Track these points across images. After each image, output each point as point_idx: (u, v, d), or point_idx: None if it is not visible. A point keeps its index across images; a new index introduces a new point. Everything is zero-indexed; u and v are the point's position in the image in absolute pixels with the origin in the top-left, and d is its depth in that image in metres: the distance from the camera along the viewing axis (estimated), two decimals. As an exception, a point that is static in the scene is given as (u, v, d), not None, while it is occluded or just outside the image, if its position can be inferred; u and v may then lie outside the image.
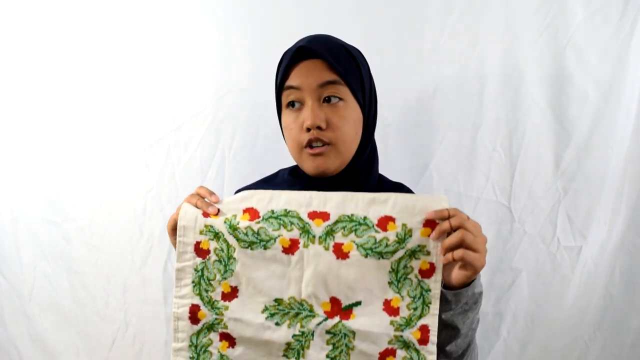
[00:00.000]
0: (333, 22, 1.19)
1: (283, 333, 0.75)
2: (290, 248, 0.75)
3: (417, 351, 0.73)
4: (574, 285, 1.23)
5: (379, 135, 1.22)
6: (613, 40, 1.15)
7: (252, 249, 0.75)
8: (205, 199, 0.80)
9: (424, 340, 0.73)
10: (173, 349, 0.78)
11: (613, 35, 1.15)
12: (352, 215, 0.74)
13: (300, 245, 0.74)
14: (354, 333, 0.74)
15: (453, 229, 0.71)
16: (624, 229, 1.22)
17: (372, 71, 1.15)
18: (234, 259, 0.76)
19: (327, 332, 0.75)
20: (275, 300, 0.76)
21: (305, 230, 0.74)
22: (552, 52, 1.17)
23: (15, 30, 1.25)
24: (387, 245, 0.73)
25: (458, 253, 0.70)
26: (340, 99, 0.84)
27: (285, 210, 0.75)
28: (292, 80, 0.84)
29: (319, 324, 0.74)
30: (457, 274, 0.74)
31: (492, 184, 1.22)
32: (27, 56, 1.26)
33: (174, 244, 0.80)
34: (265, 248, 0.75)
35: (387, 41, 1.20)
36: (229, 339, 0.77)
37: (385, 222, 0.73)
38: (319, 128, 0.82)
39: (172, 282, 1.28)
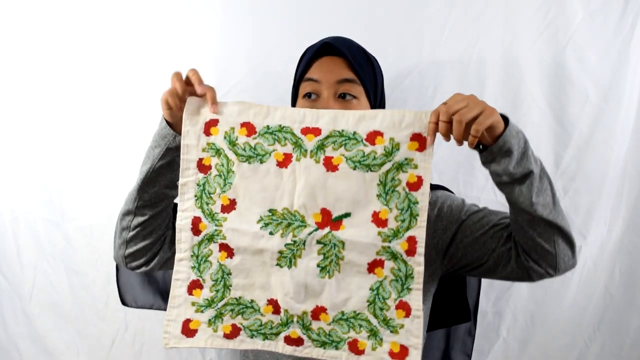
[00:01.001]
0: (333, 22, 1.19)
1: (276, 242, 0.78)
2: (284, 162, 0.78)
3: (405, 262, 0.76)
4: (573, 285, 1.23)
5: (379, 135, 1.23)
6: (613, 40, 1.15)
7: (249, 162, 0.79)
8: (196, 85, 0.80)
9: (411, 252, 0.76)
10: (176, 259, 0.82)
11: (613, 35, 1.15)
12: (342, 130, 0.77)
13: (293, 159, 0.78)
14: (343, 243, 0.77)
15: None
16: (624, 229, 1.22)
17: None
18: (233, 172, 0.80)
19: (318, 241, 0.78)
20: (269, 210, 0.79)
21: (297, 145, 0.78)
22: (552, 52, 1.17)
23: (15, 30, 1.25)
24: (374, 158, 0.76)
25: (442, 126, 0.71)
26: (355, 97, 0.88)
27: (280, 126, 0.78)
28: (313, 73, 0.89)
29: (309, 233, 0.78)
30: (484, 140, 0.74)
31: (492, 184, 1.20)
32: (27, 57, 1.25)
33: (167, 116, 0.82)
34: (261, 162, 0.79)
35: (387, 41, 1.20)
36: (228, 250, 0.81)
37: (373, 136, 0.76)
38: None
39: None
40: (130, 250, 0.88)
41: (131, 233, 0.87)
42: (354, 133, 0.77)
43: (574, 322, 1.25)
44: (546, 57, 1.17)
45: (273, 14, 1.21)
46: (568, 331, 1.25)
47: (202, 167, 0.81)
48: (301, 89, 0.91)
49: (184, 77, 0.81)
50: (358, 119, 0.77)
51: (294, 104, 0.94)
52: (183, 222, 0.81)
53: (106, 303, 1.32)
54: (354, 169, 0.76)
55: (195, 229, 0.81)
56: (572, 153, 1.19)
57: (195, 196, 0.81)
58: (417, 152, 0.76)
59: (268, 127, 0.79)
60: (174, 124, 0.83)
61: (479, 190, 1.23)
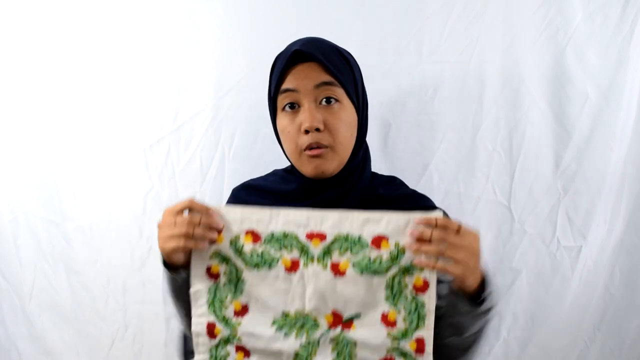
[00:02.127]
0: (333, 22, 1.19)
1: (291, 343, 0.80)
2: (292, 267, 0.80)
3: None
4: (573, 285, 1.23)
5: (379, 135, 1.23)
6: (613, 40, 1.15)
7: (258, 269, 0.81)
8: (201, 219, 0.78)
9: (420, 350, 0.77)
10: (195, 358, 0.85)
11: (613, 35, 1.15)
12: (347, 234, 0.78)
13: (301, 265, 0.80)
14: (355, 342, 0.79)
15: (436, 239, 0.73)
16: (624, 229, 1.22)
17: (372, 71, 1.15)
18: (243, 280, 0.82)
19: (331, 341, 0.80)
20: (283, 313, 0.81)
21: (304, 252, 0.80)
22: (552, 52, 1.17)
23: (15, 30, 1.25)
24: (380, 263, 0.77)
25: (429, 261, 0.73)
26: (337, 100, 0.86)
27: (284, 233, 0.80)
28: (288, 83, 0.86)
29: (322, 334, 0.80)
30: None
31: (492, 184, 1.22)
32: (27, 58, 1.26)
33: (168, 261, 0.82)
34: (269, 268, 0.81)
35: (387, 41, 1.20)
36: (244, 351, 0.83)
37: (379, 241, 0.77)
38: (317, 130, 0.83)
39: (172, 282, 1.29)
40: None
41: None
42: (359, 238, 0.78)
43: (574, 322, 1.24)
44: (546, 57, 1.17)
45: (273, 14, 1.21)
46: (568, 331, 1.25)
47: (211, 274, 0.83)
48: (279, 102, 0.88)
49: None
50: (362, 222, 0.78)
51: (273, 119, 0.92)
52: (199, 327, 0.83)
53: (106, 303, 1.32)
54: (361, 274, 0.78)
55: (211, 332, 0.83)
56: (572, 153, 1.19)
57: (208, 302, 0.83)
58: (408, 247, 0.77)
59: (272, 234, 0.80)
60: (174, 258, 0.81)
61: (479, 190, 1.23)
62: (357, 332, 0.79)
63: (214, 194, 1.26)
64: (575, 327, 1.25)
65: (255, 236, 0.81)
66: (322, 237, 0.79)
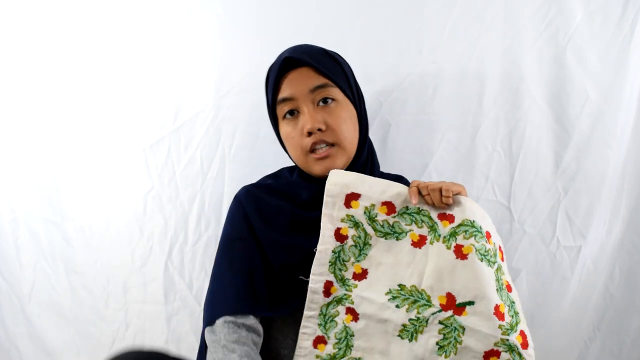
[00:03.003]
0: (333, 22, 1.19)
1: (401, 315, 0.82)
2: (419, 242, 0.84)
3: (520, 354, 0.79)
4: (573, 285, 1.23)
5: (378, 135, 1.23)
6: (613, 40, 1.15)
7: (386, 238, 0.85)
8: None
9: (525, 344, 0.79)
10: (305, 316, 0.87)
11: (613, 35, 1.15)
12: (473, 221, 0.81)
13: (427, 242, 0.83)
14: (464, 328, 0.80)
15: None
16: (624, 229, 1.22)
17: (372, 71, 1.15)
18: (369, 245, 0.86)
19: (440, 322, 0.81)
20: (399, 285, 0.83)
21: (433, 229, 0.83)
22: (552, 52, 1.17)
23: (15, 30, 1.25)
24: (492, 256, 0.81)
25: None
26: (333, 99, 0.88)
27: (419, 208, 0.84)
28: (284, 92, 0.89)
29: (433, 313, 0.81)
30: None
31: (491, 183, 1.22)
32: (27, 58, 1.25)
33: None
34: (397, 239, 0.85)
35: (387, 41, 1.20)
36: (354, 314, 0.86)
37: (489, 236, 0.82)
38: (319, 130, 0.86)
39: (172, 282, 1.29)
40: None
41: None
42: (480, 228, 0.81)
43: (573, 322, 1.25)
44: (546, 57, 1.17)
45: (273, 15, 1.21)
46: (568, 331, 1.25)
47: (339, 236, 0.86)
48: (279, 111, 0.91)
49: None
50: (481, 217, 0.83)
51: (276, 128, 0.95)
52: (317, 285, 0.86)
53: (106, 303, 1.32)
54: (481, 260, 0.80)
55: (327, 291, 0.86)
56: (572, 153, 1.19)
57: (330, 262, 0.86)
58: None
59: (407, 207, 0.84)
60: None
61: (479, 190, 1.23)
62: (468, 319, 0.79)
63: (214, 194, 1.27)
64: (575, 326, 1.25)
65: (390, 208, 0.84)
66: (451, 219, 0.82)
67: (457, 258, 0.80)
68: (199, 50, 1.23)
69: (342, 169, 0.89)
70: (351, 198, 0.85)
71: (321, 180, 0.89)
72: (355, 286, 0.85)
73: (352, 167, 0.92)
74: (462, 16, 1.18)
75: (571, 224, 1.22)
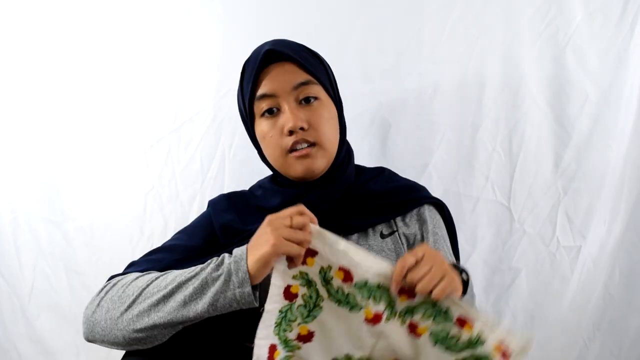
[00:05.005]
0: (333, 22, 1.19)
1: None
2: (373, 320, 0.76)
3: None
4: (573, 285, 1.23)
5: (379, 135, 1.23)
6: (613, 40, 1.15)
7: (338, 305, 0.77)
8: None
9: None
10: None
11: (613, 35, 1.15)
12: (437, 302, 0.73)
13: (382, 320, 0.75)
14: None
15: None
16: (624, 229, 1.22)
17: (372, 71, 1.15)
18: (320, 307, 0.78)
19: None
20: (346, 355, 0.78)
21: (390, 306, 0.75)
22: (552, 52, 1.17)
23: (15, 30, 1.24)
24: (457, 342, 0.73)
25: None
26: (316, 98, 0.84)
27: (379, 284, 0.75)
28: (264, 87, 0.83)
29: None
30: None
31: (491, 183, 1.22)
32: (28, 58, 1.25)
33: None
34: (350, 310, 0.76)
35: (387, 41, 1.20)
36: None
37: (463, 322, 0.73)
38: (301, 129, 0.82)
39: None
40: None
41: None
42: (447, 311, 0.73)
43: (573, 322, 1.25)
44: (546, 57, 1.17)
45: (273, 14, 1.21)
46: (568, 331, 1.25)
47: (289, 294, 0.78)
48: (256, 108, 0.84)
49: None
50: (451, 300, 0.75)
51: (250, 126, 0.88)
52: (261, 350, 0.78)
53: (106, 303, 1.32)
54: (434, 344, 0.74)
55: (271, 357, 0.79)
56: (572, 153, 1.19)
57: (276, 323, 0.78)
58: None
59: (366, 282, 0.75)
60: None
61: (479, 190, 1.23)
62: None
63: (214, 194, 1.25)
64: (574, 326, 1.25)
65: (347, 276, 0.76)
66: (411, 296, 0.74)
67: (409, 334, 0.75)
68: (199, 51, 1.23)
69: (322, 170, 0.85)
70: (307, 254, 0.76)
71: (296, 184, 0.85)
72: (299, 347, 0.78)
73: (328, 171, 0.87)
74: (462, 16, 1.18)
75: (571, 224, 1.22)
